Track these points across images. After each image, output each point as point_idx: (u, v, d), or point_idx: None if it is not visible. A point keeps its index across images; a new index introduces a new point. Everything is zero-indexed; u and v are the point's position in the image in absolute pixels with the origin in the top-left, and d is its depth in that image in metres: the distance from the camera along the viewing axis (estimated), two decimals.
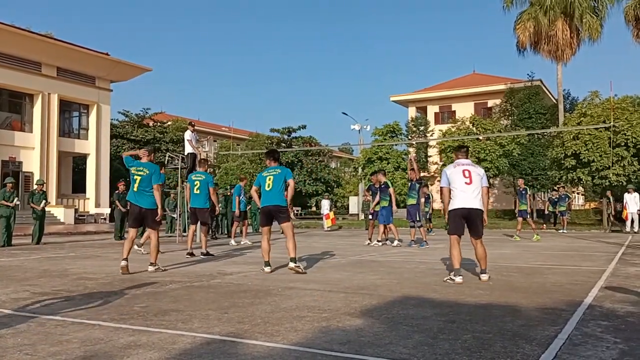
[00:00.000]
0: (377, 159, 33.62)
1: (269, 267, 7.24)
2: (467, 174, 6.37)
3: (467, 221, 6.40)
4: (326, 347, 3.36)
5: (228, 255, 10.49)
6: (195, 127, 15.38)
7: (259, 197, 7.38)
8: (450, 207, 6.42)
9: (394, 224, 12.87)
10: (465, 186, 6.33)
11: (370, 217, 13.44)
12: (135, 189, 7.50)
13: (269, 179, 7.26)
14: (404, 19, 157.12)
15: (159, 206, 7.58)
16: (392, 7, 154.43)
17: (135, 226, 7.74)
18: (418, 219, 12.61)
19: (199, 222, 10.27)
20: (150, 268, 7.55)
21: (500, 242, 14.23)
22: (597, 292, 5.56)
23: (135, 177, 7.51)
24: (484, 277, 6.40)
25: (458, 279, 6.21)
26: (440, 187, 6.73)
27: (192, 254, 9.78)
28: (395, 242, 12.60)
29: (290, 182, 7.30)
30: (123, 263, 7.34)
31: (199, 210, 10.00)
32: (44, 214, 14.43)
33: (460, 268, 6.35)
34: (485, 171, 28.25)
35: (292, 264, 7.16)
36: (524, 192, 15.48)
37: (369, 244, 12.95)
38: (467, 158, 6.67)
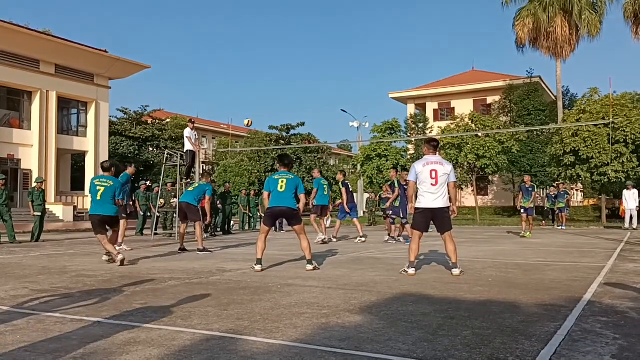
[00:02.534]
0: (375, 156, 33.60)
1: (260, 266, 7.14)
2: (434, 174, 6.61)
3: (433, 219, 6.74)
4: (326, 343, 3.36)
5: (227, 252, 10.49)
6: (195, 125, 15.38)
7: (269, 199, 7.29)
8: (417, 205, 6.75)
9: (358, 220, 13.50)
10: (431, 187, 6.61)
11: (390, 213, 13.47)
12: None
13: (282, 182, 7.22)
14: (402, 15, 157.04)
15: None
16: (391, 4, 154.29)
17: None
18: (403, 215, 12.81)
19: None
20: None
21: (499, 239, 14.24)
22: (597, 288, 5.56)
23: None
24: (455, 272, 6.56)
25: (411, 271, 6.59)
26: (408, 180, 7.06)
27: (183, 250, 10.38)
28: (358, 239, 12.86)
29: (302, 197, 7.31)
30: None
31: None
32: (43, 212, 14.42)
33: (415, 261, 6.69)
34: (485, 168, 28.16)
35: (309, 266, 7.16)
36: (530, 189, 15.19)
37: (387, 240, 12.92)
38: (436, 153, 6.85)
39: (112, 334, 3.63)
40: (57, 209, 28.41)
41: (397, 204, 12.85)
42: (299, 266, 7.70)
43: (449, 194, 6.74)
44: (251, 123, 15.53)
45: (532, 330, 3.68)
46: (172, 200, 15.75)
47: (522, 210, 15.44)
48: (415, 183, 6.74)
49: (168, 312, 4.38)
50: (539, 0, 31.00)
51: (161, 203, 15.90)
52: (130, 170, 11.66)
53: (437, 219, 6.69)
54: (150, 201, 17.28)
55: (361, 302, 4.78)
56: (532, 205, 15.27)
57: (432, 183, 6.58)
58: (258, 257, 7.22)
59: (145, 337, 3.53)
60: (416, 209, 6.74)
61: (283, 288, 5.64)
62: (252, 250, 10.05)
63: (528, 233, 15.38)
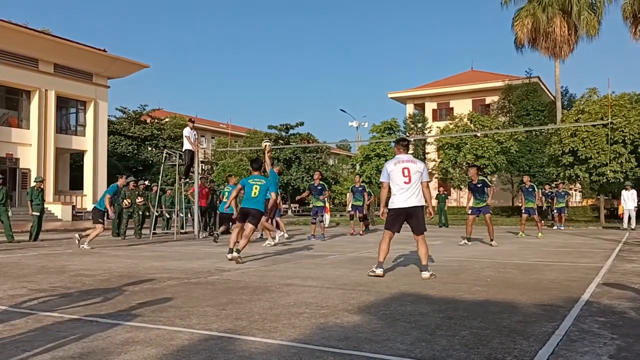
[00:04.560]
0: (374, 155, 33.62)
1: (231, 254, 8.24)
2: (406, 172, 6.44)
3: (408, 219, 6.53)
4: (324, 343, 3.37)
5: (226, 252, 10.47)
6: (195, 124, 15.37)
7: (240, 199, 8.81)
8: (391, 206, 6.55)
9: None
10: (404, 185, 6.43)
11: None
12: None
13: (256, 188, 8.58)
14: (402, 15, 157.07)
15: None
16: (390, 4, 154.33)
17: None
18: (321, 216, 14.04)
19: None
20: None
21: (498, 239, 14.21)
22: (595, 288, 5.57)
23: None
24: (425, 274, 6.35)
25: (379, 271, 6.46)
26: (381, 182, 6.83)
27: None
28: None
29: (273, 194, 8.74)
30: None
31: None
32: (42, 211, 14.41)
33: (383, 262, 6.54)
34: (483, 168, 27.93)
35: (235, 254, 8.22)
36: (530, 189, 14.96)
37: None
38: (407, 153, 6.73)
39: (110, 333, 3.63)
40: (56, 209, 28.38)
41: (318, 204, 14.12)
42: (297, 266, 7.72)
43: (423, 194, 6.54)
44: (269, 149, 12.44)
45: (530, 330, 3.69)
46: (137, 200, 15.62)
47: (524, 211, 15.23)
48: (388, 184, 6.55)
49: (166, 311, 4.38)
50: (538, 1, 31.02)
51: (127, 203, 15.67)
52: (120, 181, 12.50)
53: (412, 219, 6.48)
54: (149, 201, 17.23)
55: (359, 302, 4.78)
56: (533, 206, 14.98)
57: (404, 181, 6.40)
58: (230, 247, 8.34)
59: (144, 337, 3.53)
60: (389, 209, 6.54)
61: (281, 288, 5.64)
62: (252, 250, 10.09)
63: (522, 234, 15.34)
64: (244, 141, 52.02)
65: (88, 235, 11.42)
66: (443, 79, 50.51)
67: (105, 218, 11.78)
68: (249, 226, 8.47)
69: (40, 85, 29.30)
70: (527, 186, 15.19)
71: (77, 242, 11.44)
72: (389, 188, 6.57)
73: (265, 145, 12.18)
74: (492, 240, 11.79)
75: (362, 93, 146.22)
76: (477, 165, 16.35)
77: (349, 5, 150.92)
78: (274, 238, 12.06)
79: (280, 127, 44.21)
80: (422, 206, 6.51)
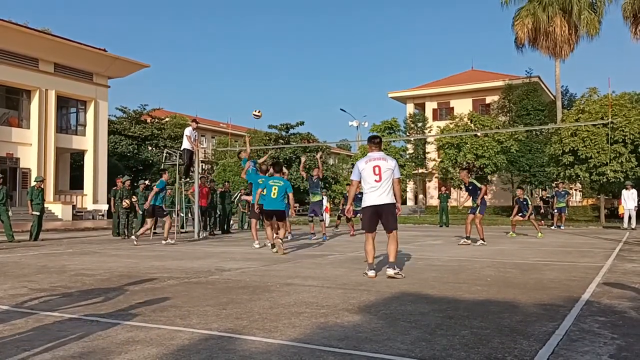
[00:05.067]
0: None
1: (274, 248, 9.52)
2: (377, 170, 6.43)
3: (379, 216, 6.50)
4: (324, 342, 3.37)
5: (226, 251, 10.49)
6: (198, 125, 15.34)
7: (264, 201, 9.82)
8: (363, 205, 6.58)
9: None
10: (375, 183, 6.43)
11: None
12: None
13: (275, 189, 9.57)
14: (401, 15, 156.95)
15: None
16: (390, 4, 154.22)
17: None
18: (320, 214, 13.79)
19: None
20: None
21: (498, 239, 14.24)
22: (595, 288, 5.57)
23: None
24: (390, 272, 6.31)
25: (371, 273, 6.38)
26: (351, 179, 6.82)
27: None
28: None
29: (290, 195, 9.82)
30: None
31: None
32: (42, 211, 14.42)
33: (373, 263, 6.49)
34: (484, 167, 27.78)
35: (276, 250, 9.43)
36: (524, 202, 15.33)
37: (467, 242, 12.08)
38: (379, 150, 6.69)
39: (110, 333, 3.64)
40: (56, 208, 28.36)
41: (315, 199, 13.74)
42: (297, 266, 7.72)
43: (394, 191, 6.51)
44: (260, 114, 13.86)
45: (531, 330, 3.69)
46: (133, 199, 15.59)
47: (521, 214, 15.61)
48: (359, 182, 6.56)
49: (167, 311, 4.38)
50: (538, 0, 31.03)
51: (127, 204, 15.53)
52: (164, 177, 12.91)
53: (383, 216, 6.47)
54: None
55: (360, 302, 4.78)
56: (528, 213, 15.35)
57: (375, 179, 6.40)
58: (270, 242, 9.89)
59: (144, 336, 3.53)
60: (362, 208, 6.56)
61: (282, 287, 5.64)
62: (251, 250, 10.10)
63: (512, 233, 15.52)
64: (244, 141, 51.98)
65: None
66: (443, 79, 50.52)
67: (165, 211, 12.82)
68: (280, 226, 9.88)
69: (41, 85, 29.29)
70: (521, 199, 15.58)
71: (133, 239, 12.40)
72: (358, 186, 6.64)
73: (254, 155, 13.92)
74: (481, 238, 11.84)
75: (362, 93, 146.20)
76: (467, 167, 16.44)
77: (349, 5, 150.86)
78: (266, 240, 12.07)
79: (281, 126, 44.15)
80: (394, 203, 6.50)
